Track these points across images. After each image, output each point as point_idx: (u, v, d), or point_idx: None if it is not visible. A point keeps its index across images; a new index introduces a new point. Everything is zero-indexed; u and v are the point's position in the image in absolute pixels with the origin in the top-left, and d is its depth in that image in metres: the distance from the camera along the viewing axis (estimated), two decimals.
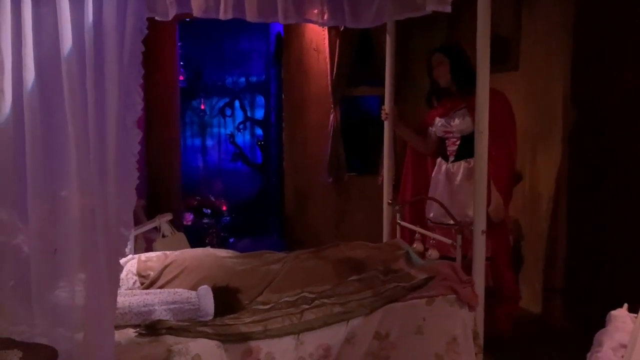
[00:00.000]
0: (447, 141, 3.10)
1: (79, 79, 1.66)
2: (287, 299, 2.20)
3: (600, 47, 3.25)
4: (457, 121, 3.01)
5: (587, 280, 3.15)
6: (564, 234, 3.45)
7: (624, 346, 1.21)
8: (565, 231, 3.44)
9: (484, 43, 2.30)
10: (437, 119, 3.11)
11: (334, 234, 4.35)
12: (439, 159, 3.15)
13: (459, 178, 3.02)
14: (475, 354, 2.32)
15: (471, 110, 2.88)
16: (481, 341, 2.35)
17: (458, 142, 3.04)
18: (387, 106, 3.21)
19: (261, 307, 2.16)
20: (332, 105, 4.42)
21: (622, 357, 1.16)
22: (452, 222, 2.82)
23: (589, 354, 1.26)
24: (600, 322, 1.50)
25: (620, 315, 1.38)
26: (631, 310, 1.43)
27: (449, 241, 2.63)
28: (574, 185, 3.42)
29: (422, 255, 2.80)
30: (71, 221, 1.73)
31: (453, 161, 3.05)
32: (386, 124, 3.25)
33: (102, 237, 1.70)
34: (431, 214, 3.12)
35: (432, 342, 2.23)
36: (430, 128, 3.19)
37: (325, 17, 2.73)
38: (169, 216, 3.09)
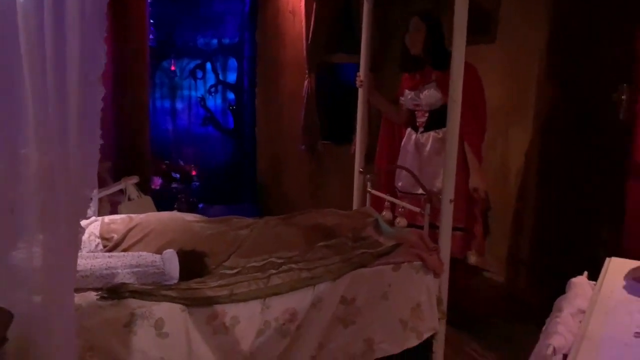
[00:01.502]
0: (416, 113, 3.09)
1: (36, 26, 1.55)
2: (254, 264, 2.19)
3: (577, 23, 3.25)
4: (425, 94, 3.00)
5: (552, 251, 3.23)
6: (532, 207, 3.51)
7: (582, 312, 1.24)
8: (533, 204, 3.51)
9: (462, 13, 2.27)
10: (407, 92, 3.09)
11: (307, 202, 4.34)
12: (408, 129, 3.16)
13: (427, 148, 3.03)
14: (439, 319, 2.37)
15: (440, 85, 2.88)
16: (445, 307, 2.40)
17: (427, 114, 3.04)
18: (361, 73, 3.17)
19: (228, 271, 2.14)
20: (307, 71, 4.35)
21: (580, 322, 1.18)
22: (420, 191, 2.85)
23: (548, 319, 1.28)
24: (562, 292, 1.53)
25: (580, 282, 1.41)
26: (591, 277, 1.47)
27: (417, 210, 2.65)
28: (544, 159, 3.47)
29: (391, 223, 2.82)
30: (30, 179, 1.66)
31: (422, 132, 3.06)
32: (360, 92, 3.22)
33: (62, 197, 1.64)
34: (399, 183, 3.14)
35: (397, 307, 2.26)
36: (401, 98, 3.17)
37: None
38: (135, 179, 3.02)
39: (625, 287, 1.35)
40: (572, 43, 3.28)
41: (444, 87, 2.78)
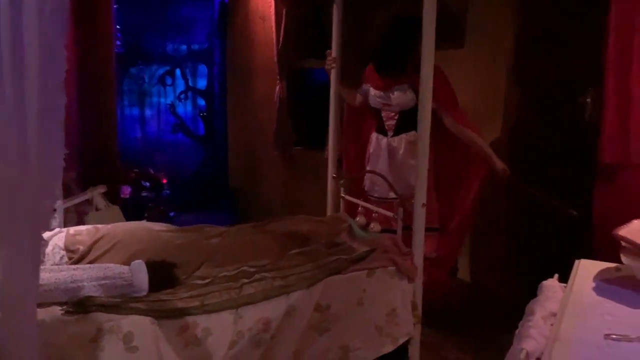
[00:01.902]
0: (383, 114, 3.09)
1: None
2: (226, 273, 2.14)
3: (543, 27, 3.32)
4: (397, 94, 3.00)
5: (524, 253, 3.27)
6: (504, 209, 3.56)
7: (554, 314, 1.24)
8: (504, 206, 3.55)
9: (430, 19, 2.29)
10: (373, 90, 3.09)
11: (281, 208, 4.31)
12: (374, 134, 3.16)
13: (401, 152, 3.04)
14: (414, 324, 2.36)
15: (413, 87, 2.90)
16: (419, 312, 2.39)
17: (396, 117, 3.05)
18: (333, 52, 3.14)
19: (199, 282, 2.09)
20: (278, 77, 4.32)
21: (552, 325, 1.19)
22: (392, 196, 2.85)
23: (521, 323, 1.29)
24: (533, 292, 1.54)
25: (551, 285, 1.42)
26: (561, 280, 1.48)
27: (390, 214, 2.65)
28: (514, 161, 3.51)
29: (365, 228, 2.82)
30: None
31: (392, 135, 3.06)
32: (332, 96, 3.21)
33: (22, 208, 1.57)
34: (374, 188, 3.13)
35: (372, 313, 2.24)
36: (362, 86, 3.18)
37: None
38: (102, 188, 2.95)
39: (594, 289, 1.37)
40: (538, 47, 3.35)
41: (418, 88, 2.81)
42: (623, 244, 1.35)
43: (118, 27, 4.31)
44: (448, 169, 3.05)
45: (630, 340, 1.08)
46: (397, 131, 3.05)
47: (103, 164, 3.80)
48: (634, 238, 1.34)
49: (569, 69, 3.11)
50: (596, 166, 2.59)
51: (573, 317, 1.18)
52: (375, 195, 3.12)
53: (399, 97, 2.99)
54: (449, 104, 2.95)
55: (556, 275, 1.50)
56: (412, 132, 2.84)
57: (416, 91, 2.83)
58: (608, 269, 1.49)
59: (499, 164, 2.97)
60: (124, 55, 4.66)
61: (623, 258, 1.38)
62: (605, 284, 1.40)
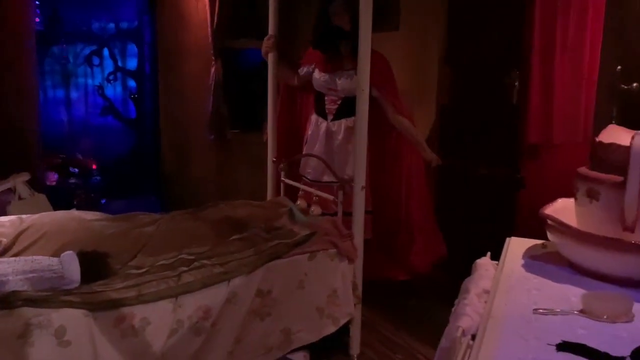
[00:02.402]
0: (326, 98, 3.09)
1: None
2: (163, 262, 2.09)
3: (470, 11, 3.42)
4: (343, 81, 3.00)
5: (454, 231, 3.40)
6: (434, 188, 3.68)
7: (487, 292, 1.30)
8: (434, 185, 3.67)
9: (367, 2, 2.30)
10: (319, 73, 3.07)
11: (216, 194, 4.22)
12: (314, 116, 3.15)
13: (340, 137, 3.05)
14: (354, 304, 2.41)
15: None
16: (360, 292, 2.45)
17: (339, 102, 3.05)
18: (270, 31, 3.09)
19: (134, 271, 2.02)
20: (213, 58, 4.20)
21: (485, 302, 1.25)
22: (329, 179, 2.87)
23: (456, 301, 1.34)
24: (466, 270, 1.61)
25: (484, 263, 1.48)
26: (493, 258, 1.55)
27: (331, 197, 2.67)
28: (445, 140, 3.64)
29: (306, 212, 2.82)
30: None
31: (332, 120, 3.07)
32: (270, 78, 3.16)
33: None
34: (308, 171, 3.14)
35: (314, 295, 2.27)
36: (302, 67, 3.16)
37: None
38: (26, 176, 2.77)
39: (523, 266, 1.44)
40: (468, 29, 3.46)
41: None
42: (549, 222, 1.43)
43: (36, 2, 4.01)
44: (380, 155, 3.10)
45: (555, 313, 1.15)
46: (338, 116, 3.05)
47: (24, 149, 3.56)
48: (559, 216, 1.42)
49: (496, 51, 3.23)
50: (523, 144, 2.72)
51: (504, 294, 1.25)
52: (309, 177, 3.13)
53: (345, 83, 2.99)
54: (390, 92, 2.99)
55: (488, 254, 1.57)
56: (352, 118, 2.86)
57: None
58: (535, 245, 1.58)
59: (430, 155, 3.07)
60: (44, 33, 4.36)
61: (549, 235, 1.46)
62: (533, 260, 1.48)
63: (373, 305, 2.90)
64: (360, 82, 2.38)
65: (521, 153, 2.79)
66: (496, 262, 1.50)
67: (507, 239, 1.64)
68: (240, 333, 2.09)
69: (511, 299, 1.21)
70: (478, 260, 1.52)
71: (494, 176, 3.24)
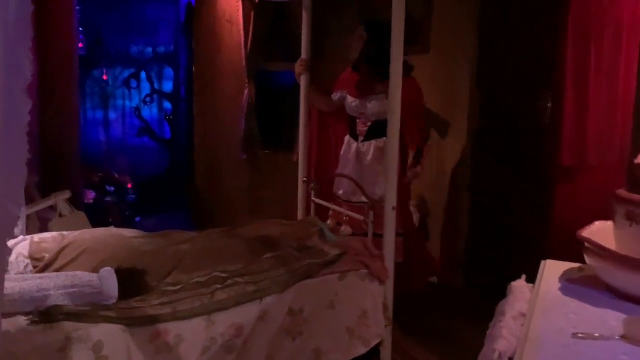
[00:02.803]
0: (357, 120, 3.15)
1: None
2: (197, 279, 2.12)
3: (501, 35, 3.43)
4: (373, 104, 3.05)
5: (486, 253, 3.36)
6: (466, 210, 3.65)
7: (523, 314, 1.29)
8: (467, 207, 3.64)
9: (399, 25, 2.33)
10: (350, 98, 3.13)
11: (247, 212, 4.28)
12: (347, 137, 3.21)
13: (369, 157, 3.09)
14: (385, 326, 2.39)
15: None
16: (390, 314, 2.43)
17: (369, 124, 3.10)
18: (303, 55, 3.15)
19: (170, 288, 2.06)
20: (247, 80, 4.30)
21: (522, 324, 1.23)
22: (360, 199, 2.89)
23: (491, 323, 1.33)
24: (498, 292, 1.59)
25: (519, 286, 1.47)
26: (528, 280, 1.53)
27: (361, 217, 2.68)
28: (476, 163, 3.62)
29: (336, 231, 2.84)
30: None
31: (362, 141, 3.11)
32: (302, 99, 3.22)
33: None
34: (340, 191, 3.18)
35: (344, 315, 2.26)
36: (334, 94, 3.20)
37: None
38: (66, 194, 2.86)
39: (560, 289, 1.42)
40: (498, 52, 3.45)
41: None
42: (586, 244, 1.41)
43: (80, 28, 4.20)
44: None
45: (595, 338, 1.13)
46: (367, 137, 3.10)
47: (65, 168, 3.70)
48: (596, 239, 1.40)
49: (527, 73, 3.22)
50: (555, 168, 2.69)
51: (541, 317, 1.23)
52: (341, 196, 3.17)
53: (375, 106, 3.04)
54: (413, 125, 2.99)
55: (523, 276, 1.55)
56: (382, 139, 2.89)
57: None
58: (572, 269, 1.56)
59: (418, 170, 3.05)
60: (86, 57, 4.55)
61: (586, 258, 1.44)
62: (569, 284, 1.46)
63: (403, 327, 2.88)
64: (392, 105, 2.41)
65: (554, 175, 2.76)
66: (531, 284, 1.48)
67: (542, 261, 1.62)
68: (271, 351, 2.09)
69: (549, 323, 1.20)
70: (513, 283, 1.50)
71: (527, 198, 3.20)
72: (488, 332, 1.30)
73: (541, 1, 3.03)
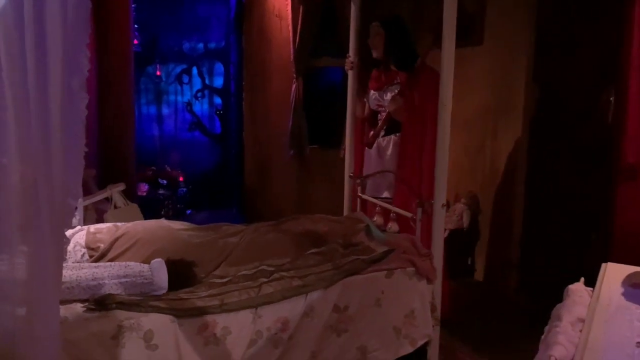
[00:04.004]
0: (379, 115, 3.10)
1: (16, 35, 1.50)
2: (245, 272, 2.14)
3: (561, 27, 3.27)
4: (389, 96, 2.99)
5: (541, 254, 3.23)
6: (521, 209, 3.52)
7: (581, 320, 1.22)
8: (522, 206, 3.51)
9: (451, 17, 2.28)
10: (372, 92, 3.10)
11: (294, 207, 4.30)
12: (371, 133, 3.16)
13: (389, 152, 3.04)
14: (433, 326, 2.34)
15: (404, 86, 2.89)
16: (438, 314, 2.38)
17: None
18: (351, 54, 3.13)
19: (218, 280, 2.09)
20: (295, 76, 4.32)
21: (581, 331, 1.17)
22: (384, 195, 2.93)
23: (547, 327, 1.26)
24: (552, 295, 1.52)
25: (578, 289, 1.39)
26: (587, 284, 1.45)
27: (409, 215, 2.64)
28: (532, 161, 3.47)
29: (383, 228, 2.80)
30: (11, 190, 1.61)
31: (383, 135, 3.06)
32: (349, 96, 3.20)
33: (45, 207, 1.59)
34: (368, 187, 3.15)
35: (391, 314, 2.23)
36: (365, 96, 3.18)
37: None
38: (121, 186, 2.96)
39: (623, 294, 1.34)
40: (557, 45, 3.30)
41: (407, 89, 2.81)
42: None
43: (135, 25, 4.33)
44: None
45: None
46: (388, 132, 3.05)
47: (120, 162, 3.83)
48: None
49: (587, 67, 3.06)
50: (618, 166, 2.55)
51: (602, 323, 1.16)
52: (368, 193, 3.13)
53: (390, 98, 2.97)
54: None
55: (582, 279, 1.47)
56: (398, 134, 2.93)
57: (406, 93, 2.86)
58: (636, 273, 1.46)
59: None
60: (141, 54, 4.68)
61: None
62: (634, 289, 1.37)
63: (452, 328, 2.81)
64: (442, 98, 2.35)
65: (617, 173, 2.61)
66: (591, 288, 1.40)
67: (603, 264, 1.53)
68: (316, 348, 2.09)
69: (611, 330, 1.13)
70: (570, 286, 1.43)
71: (585, 199, 3.05)
72: (543, 337, 1.24)
73: None
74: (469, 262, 3.98)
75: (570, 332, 1.15)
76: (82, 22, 1.59)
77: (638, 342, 1.07)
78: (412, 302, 2.28)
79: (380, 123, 3.08)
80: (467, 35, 3.68)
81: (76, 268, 1.99)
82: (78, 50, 1.59)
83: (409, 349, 2.26)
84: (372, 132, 3.10)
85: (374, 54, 3.04)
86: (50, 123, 1.55)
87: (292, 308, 2.03)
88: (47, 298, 1.61)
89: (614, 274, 1.46)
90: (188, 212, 4.76)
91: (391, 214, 2.80)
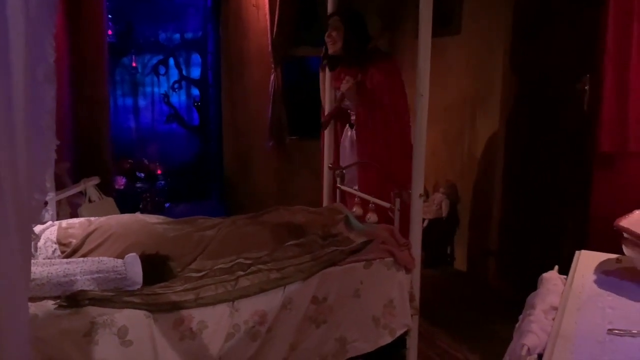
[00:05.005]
0: (350, 111, 3.09)
1: None
2: (221, 265, 2.12)
3: (538, 16, 3.28)
4: (343, 86, 2.98)
5: (519, 242, 3.26)
6: (499, 198, 3.54)
7: (554, 308, 1.22)
8: (500, 195, 3.53)
9: (427, 6, 2.25)
10: (338, 91, 3.10)
11: (275, 199, 4.27)
12: (347, 126, 3.16)
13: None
14: (412, 315, 2.35)
15: (358, 83, 2.88)
16: (417, 303, 2.38)
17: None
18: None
19: (194, 274, 2.06)
20: (273, 66, 4.27)
21: (553, 319, 1.17)
22: (357, 188, 2.92)
23: (521, 316, 1.27)
24: (531, 283, 1.52)
25: (551, 278, 1.39)
26: (561, 272, 1.46)
27: (387, 205, 2.63)
28: (510, 150, 3.49)
29: (362, 219, 2.79)
30: None
31: (352, 128, 3.07)
32: (322, 91, 3.18)
33: (10, 203, 1.53)
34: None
35: (369, 304, 2.23)
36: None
37: None
38: (95, 180, 2.90)
39: (595, 282, 1.35)
40: (534, 33, 3.31)
41: (361, 84, 2.80)
42: (624, 235, 1.33)
43: (109, 15, 4.23)
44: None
45: (633, 335, 1.06)
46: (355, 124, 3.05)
47: (96, 155, 3.75)
48: (635, 229, 1.32)
49: (564, 55, 3.07)
50: (594, 155, 2.57)
51: (574, 311, 1.16)
52: (346, 184, 3.12)
53: (344, 87, 2.96)
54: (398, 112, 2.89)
55: (556, 267, 1.48)
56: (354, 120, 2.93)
57: (359, 88, 2.86)
58: (608, 260, 1.47)
59: None
60: (115, 45, 4.58)
61: (625, 249, 1.36)
62: (606, 276, 1.38)
63: (432, 318, 2.82)
64: (419, 87, 2.33)
65: (592, 162, 2.63)
66: (564, 276, 1.41)
67: (577, 252, 1.54)
68: (295, 340, 2.08)
69: (583, 318, 1.13)
70: (544, 274, 1.43)
71: (562, 187, 3.07)
72: (517, 325, 1.24)
73: None
74: (449, 251, 4.01)
75: (543, 320, 1.15)
76: (47, 10, 1.53)
77: (609, 330, 1.08)
78: (391, 292, 2.28)
79: (336, 104, 3.09)
80: (445, 24, 3.67)
81: (47, 264, 1.94)
82: (42, 38, 1.53)
83: (388, 339, 2.26)
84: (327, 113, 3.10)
85: (331, 50, 2.96)
86: (13, 115, 1.49)
87: (270, 300, 2.01)
88: (15, 295, 1.56)
89: (587, 261, 1.47)
90: (167, 205, 4.70)
91: (370, 205, 2.79)
